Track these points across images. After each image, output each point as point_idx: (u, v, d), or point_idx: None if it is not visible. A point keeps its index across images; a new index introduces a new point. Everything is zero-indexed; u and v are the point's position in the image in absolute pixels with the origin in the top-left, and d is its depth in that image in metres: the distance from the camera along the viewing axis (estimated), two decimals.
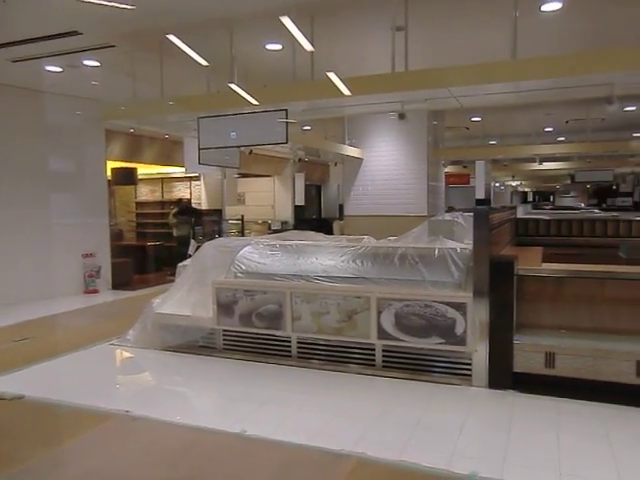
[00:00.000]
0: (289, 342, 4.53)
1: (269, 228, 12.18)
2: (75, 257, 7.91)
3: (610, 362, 3.54)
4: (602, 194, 26.25)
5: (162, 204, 12.07)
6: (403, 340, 4.10)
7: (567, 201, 29.91)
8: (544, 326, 4.04)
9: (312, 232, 6.01)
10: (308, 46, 5.20)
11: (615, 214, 11.04)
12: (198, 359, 4.72)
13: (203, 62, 5.62)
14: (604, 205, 21.46)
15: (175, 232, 10.04)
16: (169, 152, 10.77)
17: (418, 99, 5.77)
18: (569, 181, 16.25)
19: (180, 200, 10.80)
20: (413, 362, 4.13)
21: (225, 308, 4.70)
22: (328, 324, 4.34)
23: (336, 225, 13.21)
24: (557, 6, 5.32)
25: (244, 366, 4.50)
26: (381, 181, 10.55)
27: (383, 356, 4.21)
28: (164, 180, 12.26)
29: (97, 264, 8.23)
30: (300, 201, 12.70)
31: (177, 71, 6.36)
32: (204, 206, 11.66)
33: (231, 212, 11.24)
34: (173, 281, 5.55)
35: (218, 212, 10.95)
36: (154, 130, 9.11)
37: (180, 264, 5.59)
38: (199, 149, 5.97)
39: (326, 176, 14.59)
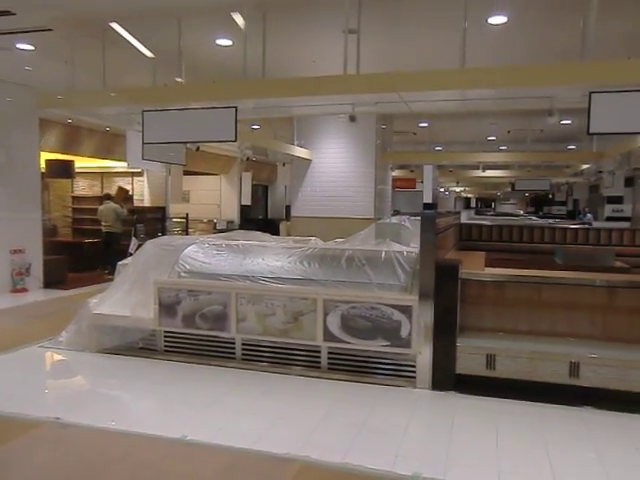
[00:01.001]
0: (233, 344, 4.43)
1: (214, 227, 11.94)
2: (2, 253, 7.40)
3: (546, 364, 3.68)
4: (539, 202, 27.59)
5: (101, 199, 11.57)
6: (349, 342, 4.09)
7: (507, 208, 31.22)
8: (485, 329, 4.15)
9: (259, 232, 5.92)
10: (259, 44, 5.13)
11: (551, 222, 11.61)
12: (137, 362, 4.53)
13: (148, 53, 5.42)
14: (541, 213, 22.54)
15: (104, 226, 9.61)
16: (110, 145, 10.32)
17: (369, 102, 5.81)
18: (510, 189, 16.98)
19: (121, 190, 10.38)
20: (358, 364, 4.13)
21: (167, 309, 4.54)
22: (274, 325, 4.27)
23: (283, 226, 13.15)
24: (503, 20, 5.52)
25: (186, 368, 4.36)
26: (329, 183, 10.58)
27: (329, 358, 4.19)
28: (104, 174, 11.74)
29: (27, 261, 7.71)
30: (247, 201, 12.54)
31: (121, 61, 6.11)
32: (147, 203, 11.29)
33: (175, 210, 10.94)
34: (112, 280, 5.31)
35: (162, 210, 10.62)
36: (94, 122, 8.69)
37: (120, 262, 5.35)
38: (143, 144, 5.74)
39: (274, 176, 14.49)
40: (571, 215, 19.62)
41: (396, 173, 14.10)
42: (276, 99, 5.31)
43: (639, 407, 3.51)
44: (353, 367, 4.14)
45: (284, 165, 11.21)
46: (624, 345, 3.85)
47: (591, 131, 4.09)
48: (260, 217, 15.93)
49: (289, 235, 10.17)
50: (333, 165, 10.59)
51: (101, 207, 9.85)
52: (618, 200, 14.05)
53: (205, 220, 12.34)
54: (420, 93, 4.97)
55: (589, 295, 4.02)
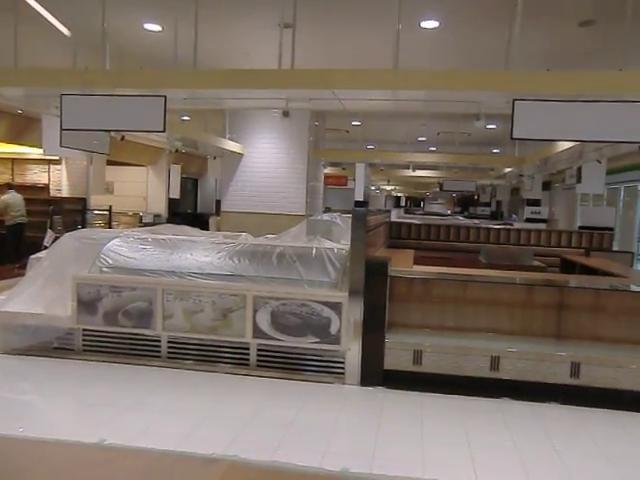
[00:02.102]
0: (159, 342, 4.26)
1: (140, 221, 11.46)
2: None
3: (469, 358, 3.82)
4: (465, 203, 28.85)
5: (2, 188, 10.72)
6: (278, 339, 4.05)
7: (435, 207, 32.34)
8: (413, 325, 4.26)
9: (187, 227, 5.73)
10: (190, 32, 4.95)
11: (476, 222, 12.14)
12: (51, 362, 4.23)
13: (66, 32, 5.06)
14: (466, 213, 23.55)
15: (12, 216, 8.95)
16: (22, 130, 9.57)
17: (303, 98, 5.77)
18: (438, 189, 17.57)
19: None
20: (288, 361, 4.10)
21: (87, 306, 4.28)
22: (202, 322, 4.15)
23: (212, 221, 12.86)
24: (435, 24, 5.68)
25: (106, 369, 4.13)
26: (261, 178, 10.46)
27: (258, 355, 4.13)
28: (15, 161, 10.92)
29: None
30: (175, 194, 12.12)
31: (36, 39, 5.68)
32: (65, 194, 10.63)
33: (97, 202, 10.38)
34: (23, 275, 4.93)
35: (82, 201, 10.04)
36: (3, 103, 8.00)
37: (33, 256, 4.99)
38: (61, 130, 5.36)
39: (204, 170, 14.10)
40: (494, 216, 20.63)
41: (328, 170, 14.20)
42: (208, 90, 5.14)
43: (551, 396, 3.74)
44: (282, 364, 4.10)
45: (215, 158, 10.94)
46: (539, 339, 4.08)
47: (514, 136, 4.28)
48: (189, 211, 15.50)
49: (219, 230, 9.96)
50: (265, 160, 10.48)
51: (5, 196, 9.15)
52: (536, 203, 14.96)
53: (130, 213, 11.81)
54: (354, 91, 4.99)
55: (509, 292, 4.22)
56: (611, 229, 8.52)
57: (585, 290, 4.18)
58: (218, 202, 12.82)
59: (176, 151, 10.80)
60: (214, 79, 4.98)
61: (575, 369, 3.72)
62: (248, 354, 4.14)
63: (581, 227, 9.07)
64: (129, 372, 4.08)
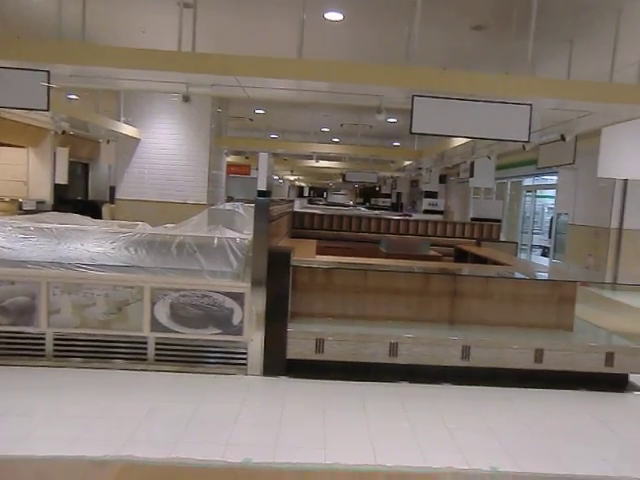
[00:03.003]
0: (43, 339, 3.91)
1: (20, 208, 10.45)
2: None
3: (369, 345, 3.93)
4: (367, 194, 29.77)
5: None
6: (178, 332, 3.91)
7: (338, 198, 33.05)
8: (316, 314, 4.30)
9: (77, 215, 5.30)
10: (78, 2, 4.56)
11: (377, 212, 12.56)
12: None
13: None
14: (368, 204, 24.32)
15: None
16: None
17: (204, 83, 5.57)
18: (341, 180, 17.89)
19: None
20: (189, 354, 3.97)
21: None
22: (94, 317, 3.88)
23: (106, 209, 12.07)
24: (339, 17, 5.73)
25: None
26: (160, 165, 10.00)
27: (156, 349, 3.95)
28: None
29: None
30: (62, 179, 11.18)
31: None
32: None
33: None
34: None
35: None
36: None
37: None
38: None
39: (96, 154, 13.19)
40: (395, 207, 21.51)
41: (231, 159, 13.92)
42: (98, 68, 4.76)
43: (445, 378, 3.97)
44: (183, 357, 3.96)
45: (108, 142, 10.26)
46: (434, 325, 4.31)
47: (413, 131, 4.45)
48: (79, 198, 14.42)
49: (114, 219, 9.38)
50: (164, 146, 10.03)
51: None
52: (433, 195, 15.84)
53: (7, 199, 10.73)
54: (257, 79, 4.90)
55: (407, 281, 4.40)
56: (499, 221, 9.25)
57: (475, 278, 4.47)
58: (113, 189, 12.06)
59: (63, 132, 9.95)
60: (106, 56, 4.63)
61: (466, 351, 3.97)
62: (146, 348, 3.95)
63: (473, 219, 9.74)
64: (7, 375, 3.71)
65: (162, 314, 3.90)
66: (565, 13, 5.20)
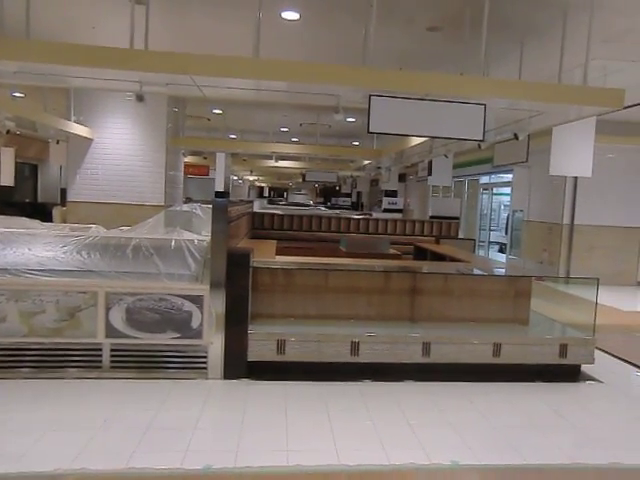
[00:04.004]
0: None
1: None
2: None
3: (331, 345, 3.92)
4: (328, 193, 29.81)
5: None
6: (135, 337, 3.80)
7: (299, 198, 32.95)
8: (277, 315, 4.26)
9: (25, 218, 5.08)
10: None
11: (338, 212, 12.58)
12: None
13: None
14: (329, 203, 24.35)
15: None
16: None
17: (159, 82, 5.42)
18: (301, 179, 17.84)
19: None
20: (146, 360, 3.85)
21: None
22: (43, 325, 3.72)
23: (57, 211, 11.61)
24: (295, 16, 5.70)
25: None
26: (114, 166, 9.70)
27: (111, 356, 3.82)
28: None
29: None
30: (8, 181, 10.68)
31: None
32: None
33: None
34: None
35: None
36: None
37: None
38: None
39: (45, 154, 12.69)
40: (355, 206, 21.63)
41: (189, 159, 13.66)
42: (45, 65, 4.56)
43: (406, 375, 4.00)
44: (140, 363, 3.84)
45: (58, 143, 9.87)
46: (395, 323, 4.34)
47: (370, 130, 4.47)
48: (27, 201, 13.86)
49: (65, 222, 9.05)
50: (119, 146, 9.74)
51: None
52: (393, 194, 16.00)
53: None
54: (213, 78, 4.81)
55: (368, 279, 4.42)
56: (457, 218, 9.43)
57: (435, 275, 4.53)
58: (64, 191, 11.61)
59: (7, 132, 9.50)
60: (52, 53, 4.43)
61: (426, 348, 4.02)
62: (100, 355, 3.81)
63: (432, 217, 9.89)
64: None
65: (118, 319, 3.78)
66: (516, 15, 5.33)
